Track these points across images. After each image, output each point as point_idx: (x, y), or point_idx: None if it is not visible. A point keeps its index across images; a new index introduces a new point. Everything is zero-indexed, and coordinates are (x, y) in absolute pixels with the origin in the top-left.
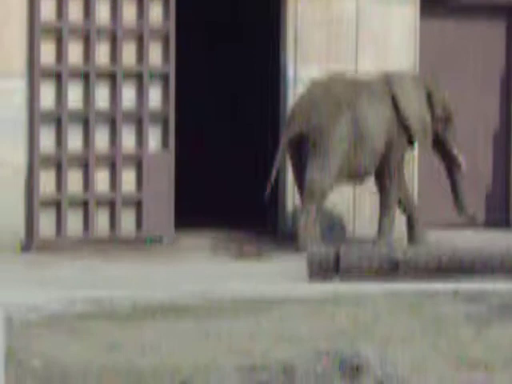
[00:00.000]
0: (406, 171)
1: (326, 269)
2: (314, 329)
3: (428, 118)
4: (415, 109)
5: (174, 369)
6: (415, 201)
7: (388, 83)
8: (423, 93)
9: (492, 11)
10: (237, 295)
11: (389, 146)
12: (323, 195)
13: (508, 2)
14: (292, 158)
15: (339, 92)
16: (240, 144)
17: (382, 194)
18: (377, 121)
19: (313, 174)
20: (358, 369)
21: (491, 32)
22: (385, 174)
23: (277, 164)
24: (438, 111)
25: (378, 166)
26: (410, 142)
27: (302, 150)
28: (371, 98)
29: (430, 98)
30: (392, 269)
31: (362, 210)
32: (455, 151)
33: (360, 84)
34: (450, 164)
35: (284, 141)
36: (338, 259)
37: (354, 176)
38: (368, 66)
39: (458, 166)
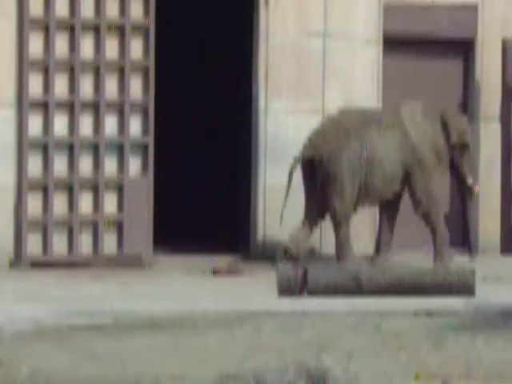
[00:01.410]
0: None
1: (295, 285)
2: (283, 341)
3: (442, 145)
4: (425, 137)
5: (152, 379)
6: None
7: (398, 114)
8: (437, 121)
9: (449, 46)
10: (211, 310)
11: (409, 171)
12: (347, 218)
13: (464, 37)
14: (304, 183)
15: (348, 122)
16: (214, 168)
17: (424, 221)
18: (387, 148)
19: (334, 203)
20: (323, 379)
21: (449, 65)
22: (415, 203)
23: (286, 192)
24: (454, 138)
25: (410, 194)
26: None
27: (314, 177)
28: (381, 128)
29: (445, 126)
30: (356, 286)
31: (328, 229)
32: (470, 180)
33: (370, 115)
34: (463, 190)
35: (290, 169)
36: (305, 276)
37: (373, 196)
38: (334, 98)
39: (470, 194)
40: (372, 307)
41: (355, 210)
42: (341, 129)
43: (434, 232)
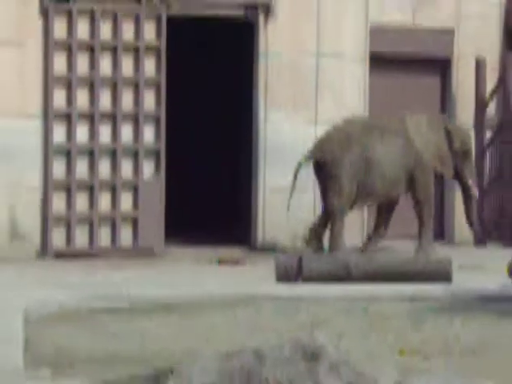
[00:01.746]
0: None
1: (291, 272)
2: (280, 322)
3: (446, 151)
4: (428, 144)
5: (164, 356)
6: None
7: (404, 123)
8: (441, 130)
9: (429, 64)
10: (217, 294)
11: (411, 177)
12: (343, 213)
13: (442, 57)
14: (318, 182)
15: (351, 130)
16: (222, 167)
17: (417, 215)
18: (389, 154)
19: (332, 199)
20: (316, 355)
21: (428, 81)
22: (414, 199)
23: (293, 187)
24: (457, 145)
25: (410, 193)
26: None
27: (320, 177)
28: (383, 135)
29: (448, 134)
30: (346, 274)
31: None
32: (470, 183)
33: (373, 124)
34: (465, 192)
35: (296, 167)
36: (300, 264)
37: (369, 198)
38: (326, 110)
39: (470, 195)
40: (360, 293)
41: (353, 207)
42: (344, 135)
43: (422, 226)
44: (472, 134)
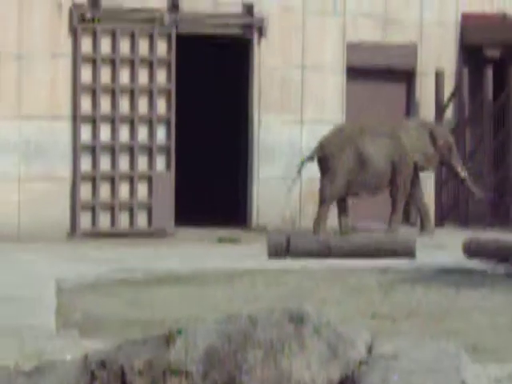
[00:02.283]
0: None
1: (280, 250)
2: (271, 293)
3: (430, 149)
4: (416, 145)
5: (173, 320)
6: (426, 205)
7: (396, 128)
8: (426, 133)
9: (396, 75)
10: (218, 268)
11: (394, 170)
12: (331, 200)
13: (407, 68)
14: (321, 174)
15: (347, 132)
16: (223, 161)
17: (392, 201)
18: (378, 152)
19: (324, 185)
20: (301, 319)
21: (396, 89)
22: (394, 187)
23: (295, 177)
24: (440, 143)
25: (390, 181)
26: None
27: (322, 170)
28: (375, 137)
29: (432, 135)
30: (328, 250)
31: (306, 208)
32: (459, 169)
33: (367, 128)
34: (457, 177)
35: (300, 163)
36: (288, 243)
37: (363, 188)
38: (310, 113)
39: (461, 178)
40: (339, 266)
41: (348, 196)
42: (341, 137)
43: (394, 210)
44: None
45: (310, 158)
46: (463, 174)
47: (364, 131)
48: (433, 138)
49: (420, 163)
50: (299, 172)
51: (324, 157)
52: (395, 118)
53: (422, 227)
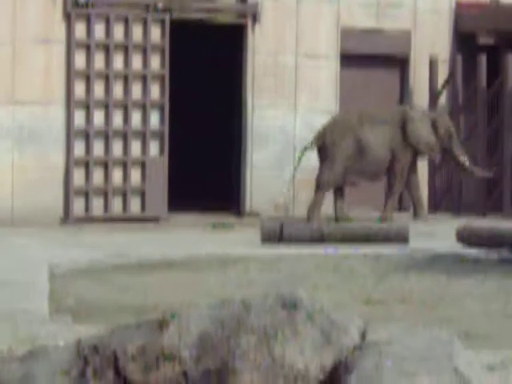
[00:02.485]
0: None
1: (274, 236)
2: (265, 279)
3: (433, 138)
4: (420, 133)
5: (166, 305)
6: (419, 193)
7: (403, 115)
8: (428, 121)
9: (390, 61)
10: (211, 254)
11: (393, 156)
12: (328, 187)
13: (401, 55)
14: (320, 162)
15: (347, 120)
16: (216, 147)
17: (389, 187)
18: (377, 140)
19: (323, 172)
20: (295, 305)
21: (390, 76)
22: (392, 174)
23: (294, 168)
24: (441, 132)
25: (388, 168)
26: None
27: (321, 158)
28: (374, 125)
29: (434, 124)
30: (320, 237)
31: (299, 195)
32: (460, 157)
33: (366, 116)
34: (459, 164)
35: (301, 150)
36: (281, 230)
37: (362, 175)
38: (303, 100)
39: (463, 165)
40: (331, 252)
41: (345, 183)
42: (341, 125)
43: (390, 196)
44: None
45: (310, 146)
46: (464, 159)
47: (363, 119)
48: (435, 127)
49: (422, 151)
50: (299, 159)
51: (323, 145)
52: (389, 104)
53: (416, 214)
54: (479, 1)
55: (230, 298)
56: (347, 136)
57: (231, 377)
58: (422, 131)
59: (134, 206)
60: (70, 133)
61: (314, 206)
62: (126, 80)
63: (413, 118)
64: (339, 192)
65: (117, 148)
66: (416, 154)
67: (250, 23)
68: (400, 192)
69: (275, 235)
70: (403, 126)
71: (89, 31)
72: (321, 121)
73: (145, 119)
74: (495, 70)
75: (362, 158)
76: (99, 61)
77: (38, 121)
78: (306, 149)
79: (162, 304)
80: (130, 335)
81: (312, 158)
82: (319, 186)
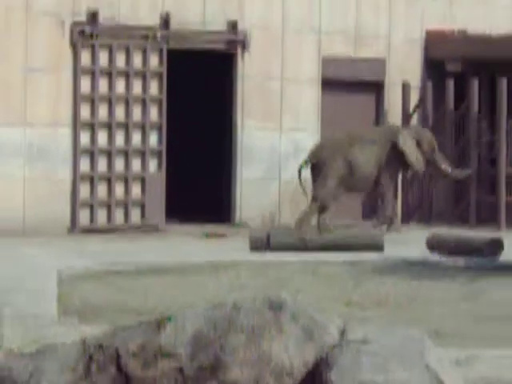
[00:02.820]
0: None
1: (261, 245)
2: (253, 283)
3: (419, 153)
4: (411, 150)
5: (164, 307)
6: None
7: (391, 134)
8: (414, 139)
9: (367, 86)
10: (205, 260)
11: (380, 171)
12: (323, 202)
13: (376, 80)
14: (312, 178)
15: (337, 141)
16: (208, 164)
17: (382, 200)
18: (366, 158)
19: (317, 189)
20: (280, 307)
21: (366, 100)
22: (383, 188)
23: (300, 184)
24: (425, 147)
25: (376, 181)
26: (407, 167)
27: (314, 175)
28: (363, 145)
29: (418, 141)
30: (304, 245)
31: (284, 207)
32: (443, 166)
33: (355, 135)
34: (443, 174)
35: (299, 168)
36: (268, 239)
37: (353, 190)
38: (288, 121)
39: (446, 172)
40: (313, 259)
41: (337, 198)
42: (332, 145)
43: (383, 207)
44: None
45: (306, 164)
46: (447, 167)
47: (353, 139)
48: (418, 143)
49: (415, 167)
50: (299, 174)
51: (317, 163)
52: (366, 125)
53: (389, 224)
54: (447, 31)
55: (222, 301)
56: (338, 155)
57: (223, 372)
58: (411, 149)
59: (135, 217)
60: (76, 151)
61: (304, 217)
62: (127, 103)
63: (396, 136)
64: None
65: (119, 164)
66: (400, 169)
67: (239, 51)
68: (391, 203)
69: (262, 244)
70: (392, 145)
71: (93, 59)
72: (304, 140)
73: (144, 139)
74: (462, 95)
75: (351, 175)
76: (103, 86)
77: (47, 140)
78: (301, 166)
79: (161, 306)
80: (130, 334)
81: (296, 176)
82: (313, 202)
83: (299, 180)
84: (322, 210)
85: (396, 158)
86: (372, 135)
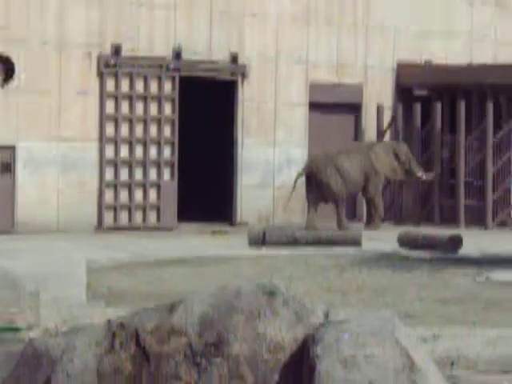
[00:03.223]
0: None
1: (258, 240)
2: (251, 272)
3: (395, 164)
4: (384, 161)
5: (180, 292)
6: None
7: (368, 148)
8: (391, 151)
9: (347, 108)
10: (211, 254)
11: (367, 180)
12: (339, 203)
13: (355, 103)
14: (306, 185)
15: (328, 154)
16: (213, 173)
17: (372, 204)
18: (353, 169)
19: (331, 195)
20: (274, 293)
21: (346, 119)
22: (370, 192)
23: (292, 190)
24: (402, 158)
25: (364, 188)
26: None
27: (310, 182)
28: (350, 157)
29: (395, 153)
30: (294, 241)
31: (277, 209)
32: (419, 174)
33: (344, 150)
34: (419, 180)
35: (295, 178)
36: (264, 235)
37: (347, 195)
38: (281, 137)
39: (421, 179)
40: (302, 252)
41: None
42: (325, 157)
43: (375, 210)
44: None
45: (302, 174)
46: (422, 175)
47: (341, 153)
48: (396, 155)
49: (388, 175)
50: (295, 184)
51: (311, 173)
52: (347, 141)
53: (368, 223)
54: (415, 62)
55: (225, 287)
56: (329, 166)
57: (225, 347)
58: (386, 159)
59: (152, 217)
60: (102, 162)
61: (340, 216)
62: (145, 122)
63: (376, 150)
64: (313, 207)
65: (138, 174)
66: (383, 177)
67: (240, 79)
68: (381, 205)
69: (259, 240)
70: (371, 157)
71: (116, 85)
72: (294, 153)
73: (159, 152)
74: (427, 115)
75: (341, 181)
76: (125, 108)
77: (77, 153)
78: (298, 176)
79: (173, 292)
80: (148, 316)
81: (287, 183)
82: (337, 203)
83: (293, 187)
84: (312, 210)
85: (376, 168)
86: (356, 149)
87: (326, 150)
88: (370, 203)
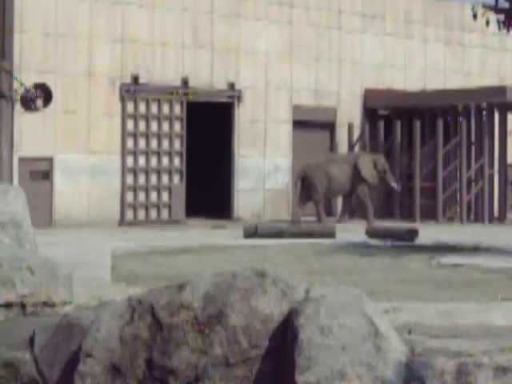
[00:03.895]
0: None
1: (251, 232)
2: (246, 259)
3: (374, 173)
4: (368, 170)
5: (186, 274)
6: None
7: (353, 159)
8: (372, 161)
9: (323, 126)
10: (212, 243)
11: (354, 185)
12: (320, 203)
13: (330, 121)
14: (301, 188)
15: (319, 161)
16: (215, 179)
17: (361, 203)
18: (341, 175)
19: (316, 196)
20: (263, 275)
21: (323, 135)
22: (360, 196)
23: (295, 193)
24: (379, 168)
25: (350, 192)
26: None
27: (303, 185)
28: (338, 165)
29: (375, 163)
30: (281, 233)
31: (267, 208)
32: (392, 183)
33: (334, 158)
34: (391, 189)
35: (294, 181)
36: (257, 229)
37: (331, 195)
38: (269, 149)
39: (394, 189)
40: (288, 242)
41: (325, 199)
42: (316, 164)
43: (365, 209)
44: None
45: (297, 178)
46: (394, 184)
47: (330, 161)
48: (375, 165)
49: (370, 181)
50: (296, 187)
51: (306, 178)
52: (324, 153)
53: (341, 218)
54: (379, 88)
55: (224, 271)
56: (318, 171)
57: (224, 319)
58: (367, 167)
59: (164, 214)
60: (124, 170)
61: (320, 213)
62: (159, 137)
63: (361, 160)
64: (302, 205)
65: (153, 179)
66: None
67: (236, 102)
68: (370, 206)
69: (252, 232)
70: (355, 165)
71: (135, 108)
72: (281, 162)
73: (171, 161)
74: (389, 131)
75: (330, 185)
76: (142, 126)
77: (104, 163)
78: (297, 182)
79: (182, 274)
80: (161, 294)
81: (275, 186)
82: (316, 204)
83: (295, 192)
84: (301, 207)
85: (359, 174)
86: (343, 158)
87: (318, 159)
88: (361, 205)
